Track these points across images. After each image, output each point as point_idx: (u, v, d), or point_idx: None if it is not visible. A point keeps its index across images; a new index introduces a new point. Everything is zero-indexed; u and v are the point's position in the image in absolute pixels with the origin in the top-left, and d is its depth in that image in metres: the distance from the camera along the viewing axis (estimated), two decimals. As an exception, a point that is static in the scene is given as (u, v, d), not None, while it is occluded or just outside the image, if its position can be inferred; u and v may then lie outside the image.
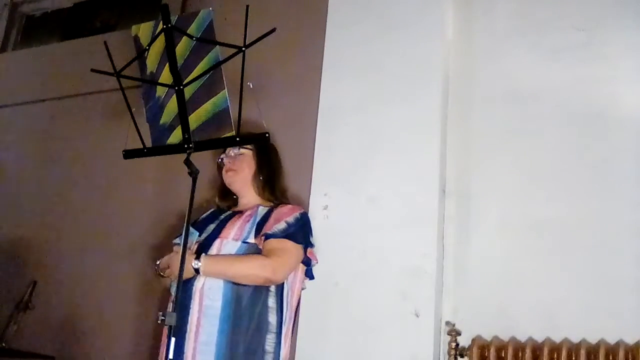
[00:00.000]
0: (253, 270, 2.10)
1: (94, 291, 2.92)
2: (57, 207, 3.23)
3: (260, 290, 2.13)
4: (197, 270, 2.06)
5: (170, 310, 2.04)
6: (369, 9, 2.70)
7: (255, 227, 2.19)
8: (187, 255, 2.02)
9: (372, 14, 2.69)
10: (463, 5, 2.68)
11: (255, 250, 2.16)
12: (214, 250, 2.14)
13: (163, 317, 1.72)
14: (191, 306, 2.07)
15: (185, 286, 2.06)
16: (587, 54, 2.40)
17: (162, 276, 2.17)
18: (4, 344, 2.63)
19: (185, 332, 2.03)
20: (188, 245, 2.09)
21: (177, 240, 2.28)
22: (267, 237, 2.16)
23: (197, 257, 2.07)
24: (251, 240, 2.17)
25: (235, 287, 2.09)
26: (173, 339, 1.70)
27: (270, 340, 2.10)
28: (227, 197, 2.42)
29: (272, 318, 2.12)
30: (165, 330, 1.97)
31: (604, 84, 2.36)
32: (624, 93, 2.35)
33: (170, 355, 1.69)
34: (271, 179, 2.37)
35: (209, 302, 2.07)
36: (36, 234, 3.21)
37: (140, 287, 2.77)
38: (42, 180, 3.34)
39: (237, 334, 2.05)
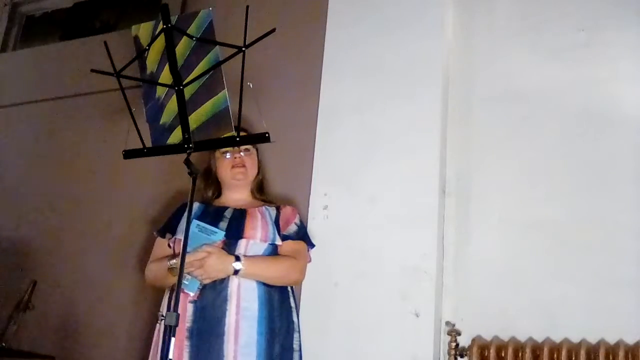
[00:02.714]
0: (287, 272, 2.17)
1: (93, 291, 2.92)
2: (57, 207, 3.22)
3: (284, 291, 2.18)
4: (236, 272, 2.06)
5: (190, 311, 2.05)
6: (369, 9, 2.70)
7: (276, 228, 2.22)
8: (224, 256, 2.06)
9: (372, 14, 2.69)
10: (463, 5, 2.68)
11: (276, 252, 2.20)
12: (240, 250, 2.14)
13: (163, 317, 1.71)
14: (227, 308, 2.05)
15: (217, 287, 2.07)
16: (587, 54, 2.41)
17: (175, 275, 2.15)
18: (4, 344, 2.63)
19: (222, 334, 2.02)
20: (215, 244, 2.10)
21: (180, 236, 2.24)
22: (284, 238, 2.22)
23: (237, 258, 2.07)
24: (278, 242, 2.20)
25: (268, 289, 2.12)
26: (173, 339, 1.69)
27: (296, 339, 2.16)
28: (217, 191, 2.43)
29: (295, 317, 2.19)
30: (162, 329, 1.96)
31: (604, 84, 2.36)
32: (624, 93, 2.35)
33: (171, 355, 1.68)
34: (264, 178, 2.46)
35: (246, 304, 2.07)
36: (36, 234, 3.21)
37: (140, 287, 2.77)
38: (42, 180, 3.34)
39: (272, 334, 2.08)
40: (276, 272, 2.14)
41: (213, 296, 2.06)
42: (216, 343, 2.01)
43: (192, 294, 2.06)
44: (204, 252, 2.03)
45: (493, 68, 2.57)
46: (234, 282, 2.08)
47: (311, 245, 2.32)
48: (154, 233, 2.39)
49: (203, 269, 2.03)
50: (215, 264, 2.04)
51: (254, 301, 2.08)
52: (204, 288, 2.08)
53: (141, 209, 2.94)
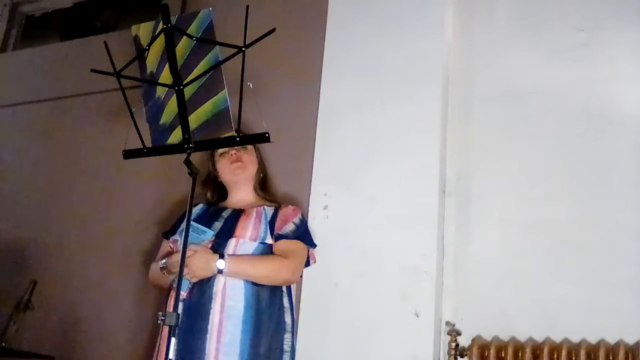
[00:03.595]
0: (275, 271, 2.14)
1: (93, 291, 2.92)
2: (57, 207, 3.22)
3: (276, 291, 2.16)
4: (220, 271, 2.06)
5: (179, 309, 2.03)
6: (369, 8, 2.70)
7: (269, 227, 2.21)
8: (208, 255, 2.06)
9: (372, 14, 2.69)
10: (463, 5, 2.68)
11: (270, 251, 2.19)
12: (230, 249, 2.14)
13: (163, 317, 1.71)
14: (212, 306, 2.05)
15: (203, 286, 2.07)
16: (587, 54, 2.41)
17: (166, 274, 2.16)
18: (4, 344, 2.63)
19: (205, 332, 2.03)
20: (204, 243, 2.10)
21: (177, 237, 2.27)
22: (279, 237, 2.20)
23: (221, 257, 2.07)
24: (268, 241, 2.19)
25: (256, 288, 2.11)
26: (173, 339, 1.69)
27: (287, 339, 2.14)
28: (219, 191, 2.43)
29: (288, 317, 2.16)
30: (164, 329, 1.96)
31: (604, 84, 2.36)
32: (624, 93, 2.35)
33: (171, 356, 1.68)
34: (267, 176, 2.45)
35: (231, 302, 2.06)
36: (36, 234, 3.20)
37: (140, 287, 2.77)
38: (42, 180, 3.34)
39: (258, 334, 2.06)
40: (262, 271, 2.12)
41: (199, 295, 2.07)
42: (199, 341, 2.01)
43: (182, 293, 2.06)
44: (189, 251, 2.02)
45: (493, 68, 2.56)
46: (219, 281, 2.08)
47: (312, 245, 2.30)
48: (161, 234, 2.43)
49: (188, 268, 2.03)
50: (198, 262, 2.04)
51: (240, 300, 2.07)
52: (193, 287, 2.08)
53: (143, 209, 2.94)
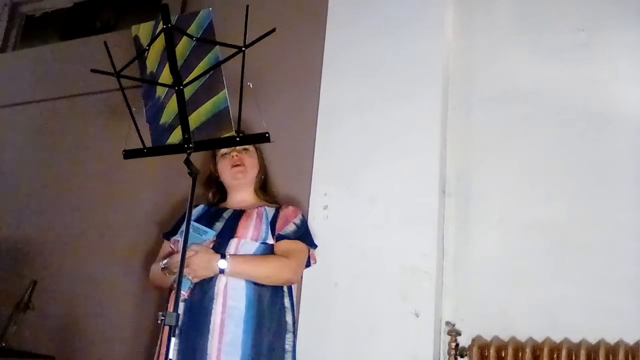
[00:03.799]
0: (276, 271, 2.14)
1: (94, 291, 2.92)
2: (57, 207, 3.22)
3: (277, 291, 2.16)
4: (222, 270, 2.06)
5: (180, 309, 2.03)
6: (369, 8, 2.71)
7: (270, 228, 2.21)
8: (209, 255, 2.06)
9: (372, 14, 2.69)
10: (463, 5, 2.68)
11: (271, 251, 2.19)
12: (231, 249, 2.14)
13: (163, 317, 1.71)
14: (213, 307, 2.05)
15: (205, 286, 2.07)
16: (587, 54, 2.41)
17: (168, 275, 2.16)
18: (4, 344, 2.63)
19: (207, 332, 2.03)
20: (205, 244, 2.11)
21: (178, 237, 2.27)
22: (280, 237, 2.20)
23: (222, 257, 2.07)
24: (270, 241, 2.19)
25: (257, 288, 2.11)
26: (173, 339, 1.69)
27: (288, 339, 2.14)
28: (220, 192, 2.44)
29: (289, 317, 2.16)
30: (165, 329, 1.96)
31: (604, 84, 2.36)
32: (624, 93, 2.35)
33: (171, 355, 1.68)
34: (267, 178, 2.45)
35: (232, 302, 2.06)
36: (36, 234, 3.20)
37: (140, 287, 2.77)
38: (42, 180, 3.34)
39: (260, 334, 2.06)
40: (264, 271, 2.12)
41: (200, 295, 2.07)
42: (201, 340, 2.01)
43: (184, 293, 2.06)
44: (190, 251, 2.02)
45: (493, 68, 2.57)
46: (221, 281, 2.08)
47: (313, 245, 2.30)
48: (162, 235, 2.42)
49: (190, 268, 2.03)
50: (200, 262, 2.04)
51: (241, 300, 2.07)
52: (194, 287, 2.08)
53: (143, 209, 2.94)
